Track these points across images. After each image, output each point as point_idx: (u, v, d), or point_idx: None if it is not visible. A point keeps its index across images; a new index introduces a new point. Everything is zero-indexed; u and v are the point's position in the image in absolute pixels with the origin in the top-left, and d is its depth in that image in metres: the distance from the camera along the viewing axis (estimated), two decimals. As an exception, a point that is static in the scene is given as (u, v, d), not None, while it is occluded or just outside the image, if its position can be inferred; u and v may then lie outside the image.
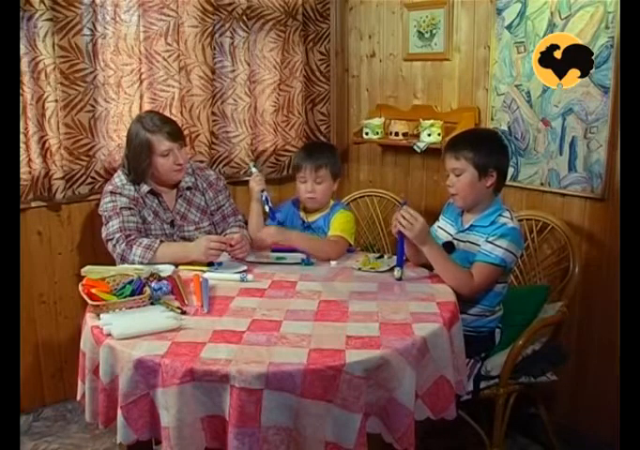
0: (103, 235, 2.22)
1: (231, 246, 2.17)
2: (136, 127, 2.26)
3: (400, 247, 2.06)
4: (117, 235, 2.16)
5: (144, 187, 2.28)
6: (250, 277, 2.04)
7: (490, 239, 2.02)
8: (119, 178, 2.28)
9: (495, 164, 2.06)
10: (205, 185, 2.42)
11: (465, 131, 2.31)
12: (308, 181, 2.37)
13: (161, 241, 2.19)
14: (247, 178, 3.02)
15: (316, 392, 1.44)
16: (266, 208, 2.30)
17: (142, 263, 2.11)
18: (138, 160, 2.24)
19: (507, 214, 2.08)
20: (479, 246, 2.05)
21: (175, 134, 2.25)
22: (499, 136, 2.29)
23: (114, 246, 2.16)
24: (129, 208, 2.23)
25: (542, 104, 2.42)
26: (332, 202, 2.47)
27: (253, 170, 2.41)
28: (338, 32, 3.21)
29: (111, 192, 2.25)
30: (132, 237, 2.17)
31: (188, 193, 2.38)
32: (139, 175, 2.26)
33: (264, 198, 2.31)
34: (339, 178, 2.44)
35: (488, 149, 2.06)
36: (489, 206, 2.10)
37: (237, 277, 2.04)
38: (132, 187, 2.27)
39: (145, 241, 2.15)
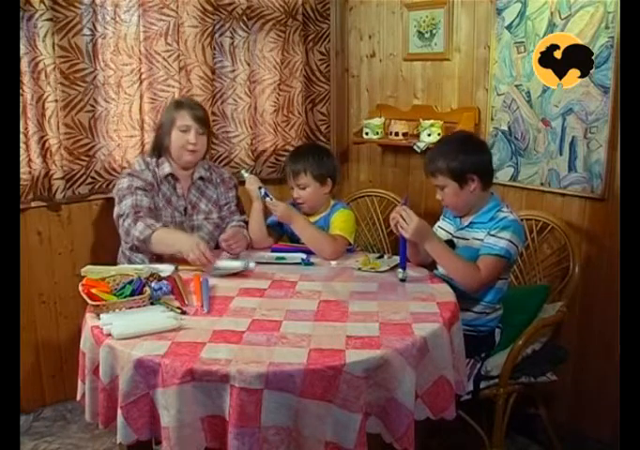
0: (115, 214, 2.26)
1: (225, 240, 2.23)
2: (170, 104, 2.43)
3: (402, 247, 2.06)
4: (128, 211, 2.20)
5: (166, 169, 2.33)
6: (252, 264, 2.08)
7: (492, 232, 2.03)
8: (138, 164, 2.37)
9: (470, 168, 2.04)
10: (218, 180, 2.48)
11: (437, 143, 2.30)
12: (293, 187, 2.40)
13: (164, 225, 2.21)
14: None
15: (316, 392, 1.44)
16: (268, 200, 2.32)
17: (139, 239, 2.14)
18: (161, 133, 2.35)
19: (505, 208, 2.10)
20: (481, 241, 2.05)
21: (199, 117, 2.33)
22: (469, 137, 2.26)
23: (123, 221, 2.20)
24: (144, 189, 2.27)
25: (542, 104, 2.41)
26: (332, 202, 2.47)
27: (245, 175, 2.44)
28: (338, 32, 3.21)
29: (128, 174, 2.33)
30: (141, 214, 2.20)
31: (201, 184, 2.43)
32: (157, 147, 2.36)
33: (263, 193, 2.33)
34: (331, 180, 2.41)
35: (459, 157, 2.04)
36: (485, 204, 2.11)
37: (240, 264, 2.06)
38: (150, 174, 2.33)
39: (151, 220, 2.18)
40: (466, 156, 2.06)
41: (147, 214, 2.22)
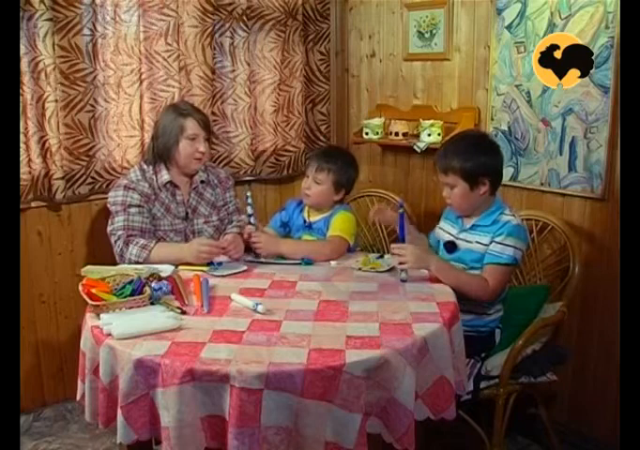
0: (108, 229, 2.25)
1: (224, 248, 2.19)
2: (169, 111, 2.35)
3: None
4: (120, 232, 2.19)
5: (165, 177, 2.31)
6: (260, 307, 1.78)
7: (498, 239, 2.02)
8: (135, 174, 2.32)
9: (484, 172, 2.04)
10: (215, 181, 2.47)
11: (451, 140, 2.25)
12: (309, 177, 2.40)
13: (157, 241, 2.22)
14: (247, 178, 3.03)
15: (316, 392, 1.44)
16: (251, 228, 2.25)
17: (138, 262, 2.13)
18: (167, 140, 2.29)
19: (508, 211, 2.09)
20: (484, 245, 2.05)
21: (205, 123, 2.33)
22: (486, 138, 2.25)
23: (115, 242, 2.20)
24: (138, 206, 2.25)
25: (542, 104, 2.41)
26: (336, 205, 2.47)
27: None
28: (338, 32, 3.21)
29: (124, 186, 2.27)
30: (132, 236, 2.19)
31: (200, 187, 2.41)
32: (162, 155, 2.31)
33: (250, 220, 2.26)
34: (344, 190, 2.43)
35: (475, 159, 2.03)
36: (489, 207, 2.11)
37: (251, 304, 1.82)
38: (147, 184, 2.29)
39: (142, 241, 2.18)
40: (482, 157, 2.05)
41: (140, 234, 2.21)
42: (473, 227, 2.12)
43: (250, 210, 2.27)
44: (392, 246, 2.05)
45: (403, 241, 2.05)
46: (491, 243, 2.04)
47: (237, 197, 2.56)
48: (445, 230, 2.23)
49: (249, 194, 2.27)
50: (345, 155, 2.55)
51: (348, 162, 2.45)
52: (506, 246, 2.00)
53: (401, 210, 2.09)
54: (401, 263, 2.01)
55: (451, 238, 2.17)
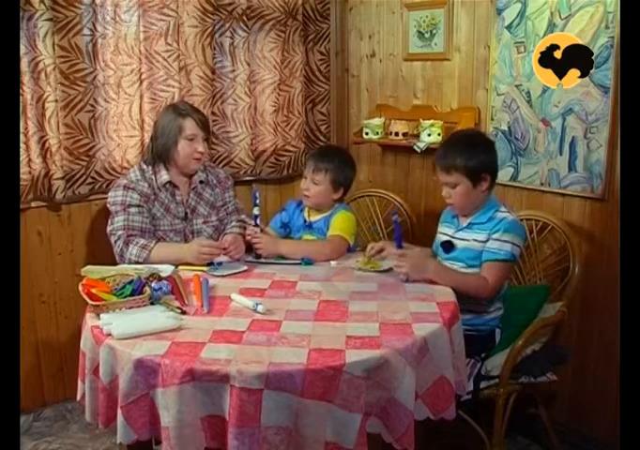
0: (108, 229, 2.25)
1: (224, 248, 2.20)
2: (168, 111, 2.34)
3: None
4: (120, 232, 2.20)
5: (164, 177, 2.30)
6: (260, 307, 1.79)
7: (495, 236, 2.03)
8: (134, 173, 2.32)
9: (486, 167, 2.05)
10: (215, 181, 2.47)
11: (451, 139, 2.25)
12: (307, 178, 2.41)
13: (157, 241, 2.22)
14: (247, 178, 3.03)
15: (316, 392, 1.44)
16: (255, 229, 2.26)
17: (137, 262, 2.13)
18: (166, 140, 2.28)
19: (503, 208, 2.10)
20: (481, 242, 2.06)
21: (203, 123, 2.33)
22: (483, 136, 2.28)
23: (115, 242, 2.21)
24: (138, 206, 2.25)
25: (542, 104, 2.41)
26: (336, 205, 2.48)
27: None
28: (338, 32, 3.21)
29: (124, 186, 2.27)
30: (132, 236, 2.20)
31: (199, 187, 2.41)
32: (162, 156, 2.30)
33: (255, 221, 2.28)
34: (343, 188, 2.43)
35: (476, 156, 2.05)
36: (484, 205, 2.11)
37: (251, 304, 1.83)
38: (146, 184, 2.29)
39: (142, 241, 2.18)
40: (483, 154, 2.07)
41: (140, 234, 2.22)
42: (469, 225, 2.12)
43: (256, 211, 2.27)
44: (392, 253, 2.07)
45: (400, 247, 2.07)
46: (488, 240, 2.05)
47: (237, 197, 2.56)
48: (442, 232, 2.24)
49: (257, 195, 2.28)
50: (342, 153, 2.55)
51: (345, 161, 2.46)
52: (503, 242, 2.01)
53: (394, 217, 2.10)
54: (398, 267, 2.03)
55: (448, 238, 2.18)
